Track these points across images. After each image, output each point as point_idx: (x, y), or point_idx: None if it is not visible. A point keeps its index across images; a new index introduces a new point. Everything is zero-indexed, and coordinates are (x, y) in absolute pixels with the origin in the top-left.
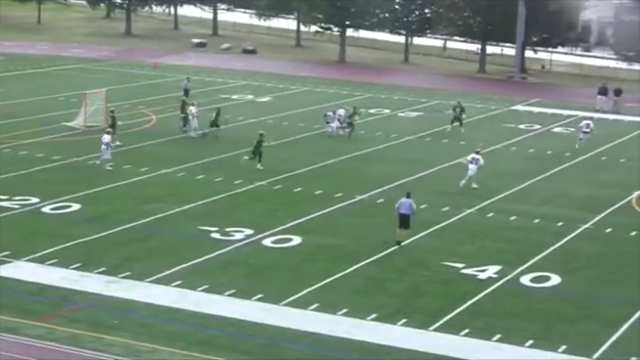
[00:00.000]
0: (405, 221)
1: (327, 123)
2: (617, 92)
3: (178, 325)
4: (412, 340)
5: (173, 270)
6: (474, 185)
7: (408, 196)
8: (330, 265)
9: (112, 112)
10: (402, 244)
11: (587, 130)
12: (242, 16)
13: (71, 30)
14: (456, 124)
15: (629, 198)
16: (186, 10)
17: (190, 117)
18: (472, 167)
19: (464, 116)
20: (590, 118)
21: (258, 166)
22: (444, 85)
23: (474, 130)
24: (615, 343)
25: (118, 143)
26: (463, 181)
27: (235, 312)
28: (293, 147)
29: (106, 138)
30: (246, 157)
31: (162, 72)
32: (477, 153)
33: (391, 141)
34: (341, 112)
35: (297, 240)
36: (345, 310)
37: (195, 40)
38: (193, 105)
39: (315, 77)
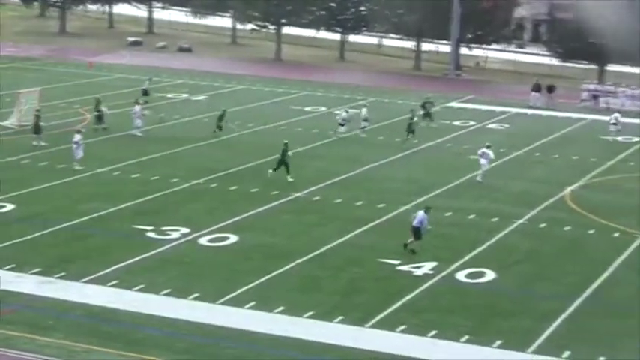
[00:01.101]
0: (414, 232)
1: (341, 125)
2: (550, 89)
3: (114, 325)
4: (349, 337)
5: (109, 270)
6: (479, 179)
7: (425, 210)
8: (266, 263)
9: (37, 111)
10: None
11: (615, 122)
12: (177, 15)
13: (5, 29)
14: (427, 120)
15: (563, 193)
16: (122, 9)
17: (135, 116)
18: (483, 162)
19: (434, 110)
20: (618, 111)
21: (288, 178)
22: (379, 83)
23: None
24: (549, 337)
25: (42, 144)
26: (479, 178)
27: (171, 311)
28: (228, 145)
29: (76, 137)
30: (271, 171)
31: (97, 71)
32: (488, 147)
33: (327, 138)
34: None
35: (233, 238)
36: (281, 308)
37: (131, 39)
38: (139, 104)
39: (251, 75)
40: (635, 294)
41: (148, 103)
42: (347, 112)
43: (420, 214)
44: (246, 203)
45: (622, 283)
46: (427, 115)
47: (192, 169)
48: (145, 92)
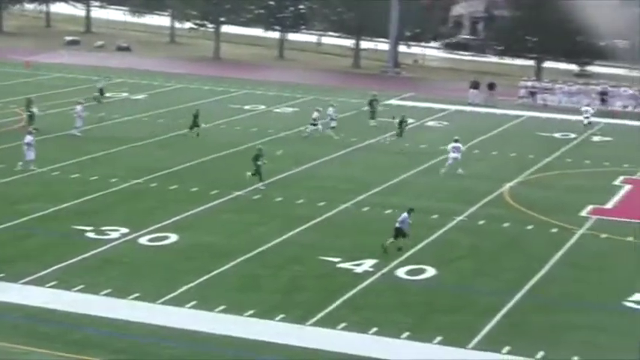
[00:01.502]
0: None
1: (313, 125)
2: (491, 86)
3: (53, 326)
4: (290, 336)
5: (48, 270)
6: (460, 170)
7: (408, 212)
8: (206, 263)
9: None
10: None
11: (588, 115)
12: (115, 13)
13: None
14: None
15: (502, 190)
16: (59, 8)
17: (76, 115)
18: (456, 155)
19: (380, 109)
20: (588, 105)
21: (260, 185)
22: (319, 81)
23: (349, 124)
24: (489, 333)
25: None
26: (443, 170)
27: (111, 311)
28: (168, 145)
29: (28, 138)
30: (249, 173)
31: (35, 70)
32: (457, 141)
33: (267, 137)
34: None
35: (173, 238)
36: (222, 307)
37: (68, 38)
38: (80, 104)
39: (190, 74)
40: (573, 289)
41: (101, 103)
42: (318, 111)
43: (404, 215)
44: (186, 202)
45: (560, 279)
46: (373, 113)
47: (132, 168)
48: (101, 91)
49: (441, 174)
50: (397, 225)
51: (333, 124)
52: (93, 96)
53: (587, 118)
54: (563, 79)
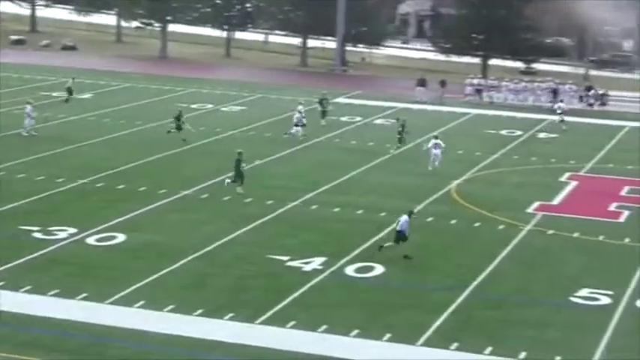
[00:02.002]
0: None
1: (297, 125)
2: (443, 83)
3: (1, 328)
4: (239, 334)
5: None
6: (436, 164)
7: (409, 214)
8: (154, 262)
9: None
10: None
11: (560, 112)
12: (61, 12)
13: None
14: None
15: (449, 187)
16: (4, 7)
17: (25, 116)
18: (437, 152)
19: (330, 108)
20: (561, 101)
21: (239, 189)
22: (266, 79)
23: None
24: (438, 329)
25: None
26: (430, 167)
27: (59, 312)
28: (114, 144)
29: None
30: (229, 181)
31: None
32: (436, 138)
33: (215, 135)
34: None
35: (121, 237)
36: (171, 307)
37: (14, 37)
38: (30, 103)
39: (136, 73)
40: (520, 285)
41: (69, 102)
42: (300, 112)
43: (404, 217)
44: (134, 202)
45: (508, 275)
46: (324, 112)
47: (79, 168)
48: (70, 91)
49: (430, 170)
50: (398, 228)
51: (304, 121)
52: (63, 97)
53: (560, 114)
54: (510, 76)
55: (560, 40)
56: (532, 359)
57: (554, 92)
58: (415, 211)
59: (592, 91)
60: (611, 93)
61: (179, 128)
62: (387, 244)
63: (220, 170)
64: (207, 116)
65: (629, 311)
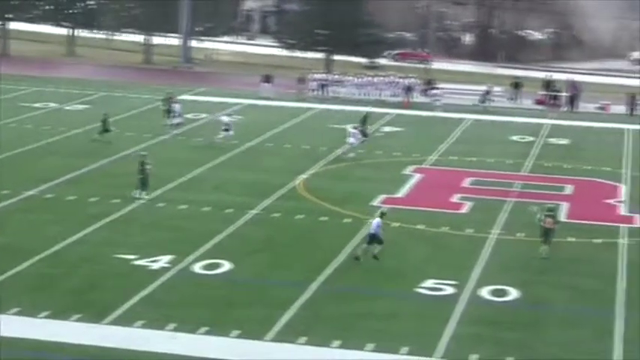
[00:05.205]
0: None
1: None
2: (300, 80)
3: None
4: (86, 335)
5: None
6: (352, 154)
7: (380, 216)
8: None
9: None
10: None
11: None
12: None
13: None
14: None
15: (295, 182)
16: None
17: None
18: (352, 140)
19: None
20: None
21: (144, 194)
22: (110, 77)
23: (140, 120)
24: (287, 324)
25: None
26: (351, 154)
27: None
28: None
29: None
30: (137, 191)
31: None
32: (355, 128)
33: (59, 135)
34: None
35: None
36: (16, 310)
37: None
38: None
39: None
40: (367, 278)
41: None
42: (229, 115)
43: (376, 220)
44: None
45: (354, 268)
46: (168, 111)
47: None
48: None
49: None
50: (371, 231)
51: (178, 120)
52: None
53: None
54: (354, 71)
55: (403, 35)
56: (379, 350)
57: (409, 89)
58: (385, 211)
59: (431, 86)
60: (448, 86)
61: (106, 131)
62: (376, 251)
63: (66, 169)
64: (51, 115)
65: (472, 300)
